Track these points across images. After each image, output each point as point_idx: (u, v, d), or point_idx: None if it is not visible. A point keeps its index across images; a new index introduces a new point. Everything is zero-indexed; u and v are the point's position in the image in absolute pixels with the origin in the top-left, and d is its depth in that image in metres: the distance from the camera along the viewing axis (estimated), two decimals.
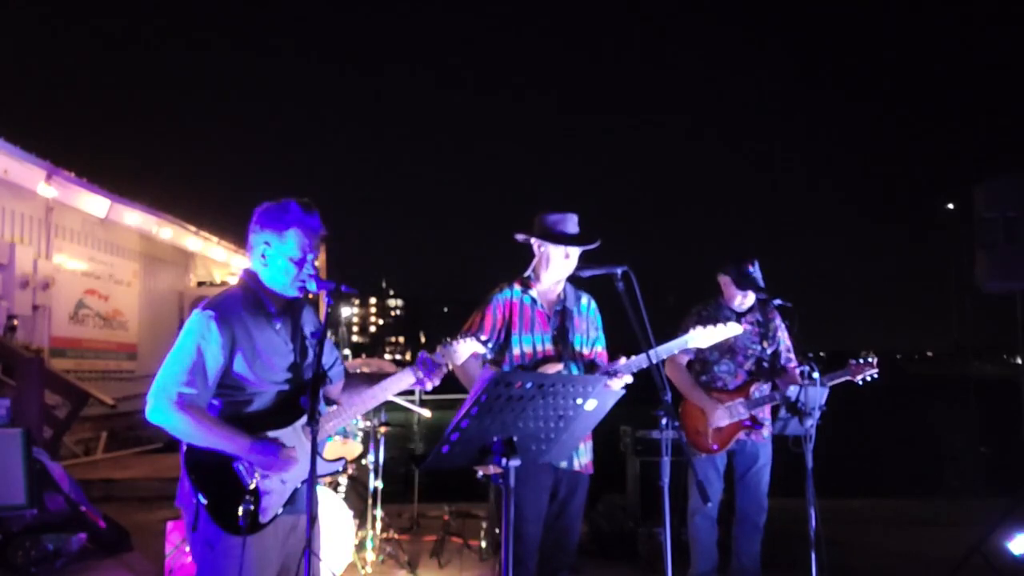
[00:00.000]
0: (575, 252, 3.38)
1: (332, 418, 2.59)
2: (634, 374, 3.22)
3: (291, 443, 2.45)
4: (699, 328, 3.27)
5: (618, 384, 3.13)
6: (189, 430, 2.35)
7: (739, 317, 4.38)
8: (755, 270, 4.31)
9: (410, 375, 2.61)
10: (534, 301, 3.41)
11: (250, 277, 2.57)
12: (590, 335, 3.49)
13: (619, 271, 3.04)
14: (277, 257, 2.51)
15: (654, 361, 3.06)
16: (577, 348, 3.41)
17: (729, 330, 3.28)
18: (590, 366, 3.45)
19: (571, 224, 3.41)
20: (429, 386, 2.63)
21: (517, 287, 3.43)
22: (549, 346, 3.37)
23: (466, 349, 2.65)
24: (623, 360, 3.20)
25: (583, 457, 3.36)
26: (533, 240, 3.46)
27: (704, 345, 3.32)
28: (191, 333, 2.40)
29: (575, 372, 3.34)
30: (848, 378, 4.07)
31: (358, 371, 5.11)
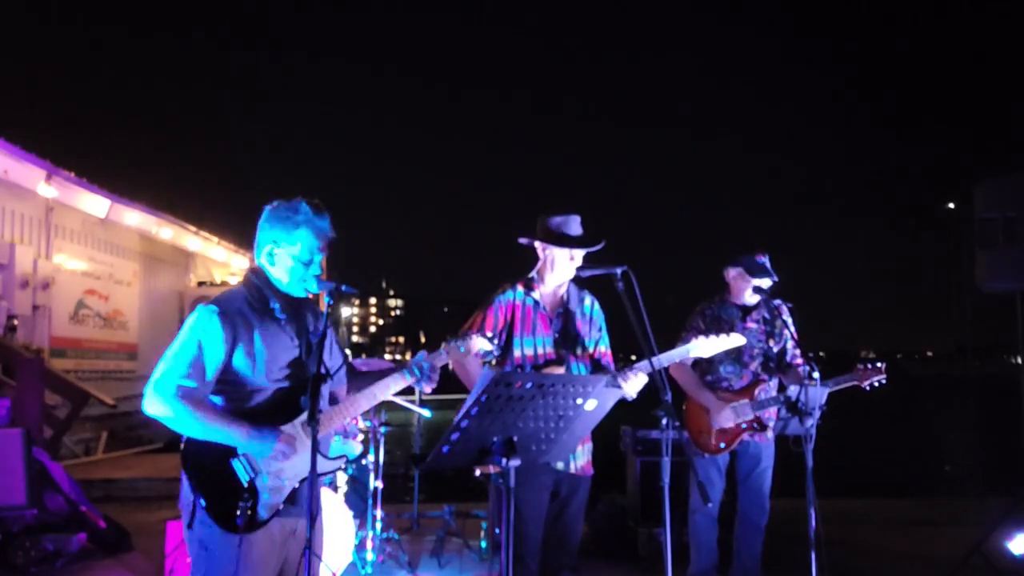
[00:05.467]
0: (580, 254, 3.37)
1: (331, 417, 2.58)
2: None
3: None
4: (701, 338, 3.26)
5: (633, 388, 3.13)
6: (186, 421, 2.35)
7: (745, 314, 4.37)
8: (765, 260, 4.28)
9: (401, 379, 2.60)
10: (536, 303, 3.39)
11: (255, 274, 2.57)
12: (592, 336, 3.48)
13: (619, 271, 3.03)
14: (285, 257, 2.52)
15: (656, 368, 3.06)
16: (579, 351, 3.40)
17: (732, 340, 3.26)
18: (596, 366, 3.44)
19: (575, 226, 3.40)
20: (428, 388, 2.63)
21: (520, 289, 3.41)
22: (551, 349, 3.36)
23: (477, 345, 2.64)
24: (630, 375, 3.17)
25: (580, 459, 3.35)
26: (537, 243, 3.44)
27: (706, 355, 3.30)
28: (192, 327, 2.42)
29: (578, 374, 3.33)
30: (855, 383, 4.04)
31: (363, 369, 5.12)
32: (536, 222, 3.48)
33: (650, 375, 3.12)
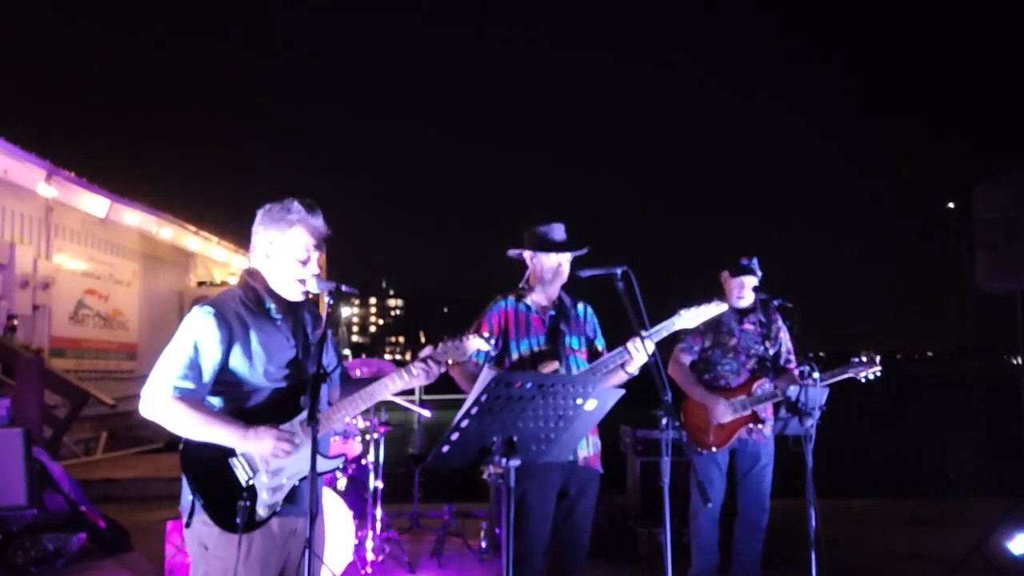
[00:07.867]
0: (566, 259, 3.45)
1: (330, 417, 2.57)
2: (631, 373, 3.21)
3: None
4: (683, 311, 3.27)
5: (637, 362, 3.15)
6: (183, 423, 2.34)
7: (742, 317, 4.41)
8: (752, 263, 4.35)
9: (399, 380, 2.58)
10: (529, 307, 3.47)
11: (252, 275, 2.57)
12: (587, 335, 3.52)
13: (619, 271, 3.04)
14: (281, 256, 2.51)
15: (645, 338, 3.08)
16: (574, 345, 3.44)
17: (713, 308, 3.28)
18: (595, 356, 3.44)
19: (559, 232, 3.49)
20: (419, 382, 2.62)
21: (511, 297, 3.50)
22: (546, 347, 3.39)
23: (474, 345, 2.65)
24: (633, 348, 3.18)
25: (584, 450, 3.34)
26: (525, 253, 3.52)
27: (691, 325, 3.31)
28: (188, 328, 2.41)
29: (574, 369, 3.35)
30: (850, 375, 4.06)
31: (358, 373, 5.11)
32: (523, 233, 3.55)
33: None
